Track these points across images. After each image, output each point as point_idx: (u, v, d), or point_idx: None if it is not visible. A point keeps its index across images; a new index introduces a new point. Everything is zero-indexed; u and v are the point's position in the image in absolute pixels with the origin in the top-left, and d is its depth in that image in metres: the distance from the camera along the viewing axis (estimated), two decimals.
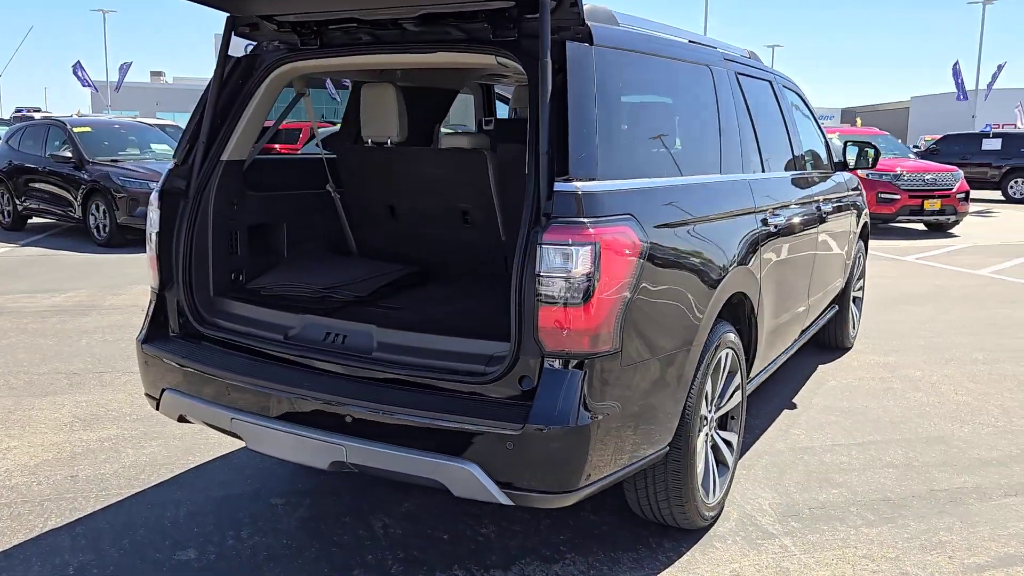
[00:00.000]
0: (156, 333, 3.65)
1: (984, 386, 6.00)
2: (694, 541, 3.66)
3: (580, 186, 2.78)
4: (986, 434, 5.04)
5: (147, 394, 3.65)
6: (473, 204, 4.22)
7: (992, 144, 22.95)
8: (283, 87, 3.82)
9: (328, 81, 37.90)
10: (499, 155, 4.07)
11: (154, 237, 3.60)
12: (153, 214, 3.61)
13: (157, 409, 3.60)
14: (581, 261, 2.70)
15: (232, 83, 3.70)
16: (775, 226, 4.22)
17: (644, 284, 2.91)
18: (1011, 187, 22.77)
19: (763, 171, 4.41)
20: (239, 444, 4.61)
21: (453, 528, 3.74)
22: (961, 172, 15.57)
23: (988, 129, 25.83)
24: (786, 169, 4.88)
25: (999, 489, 4.25)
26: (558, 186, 2.77)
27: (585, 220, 2.73)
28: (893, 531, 3.77)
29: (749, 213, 3.94)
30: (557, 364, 2.77)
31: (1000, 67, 39.21)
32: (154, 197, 3.62)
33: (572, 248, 2.70)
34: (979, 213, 19.54)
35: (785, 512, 3.95)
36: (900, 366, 6.49)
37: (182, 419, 3.51)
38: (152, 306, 3.68)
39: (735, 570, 3.44)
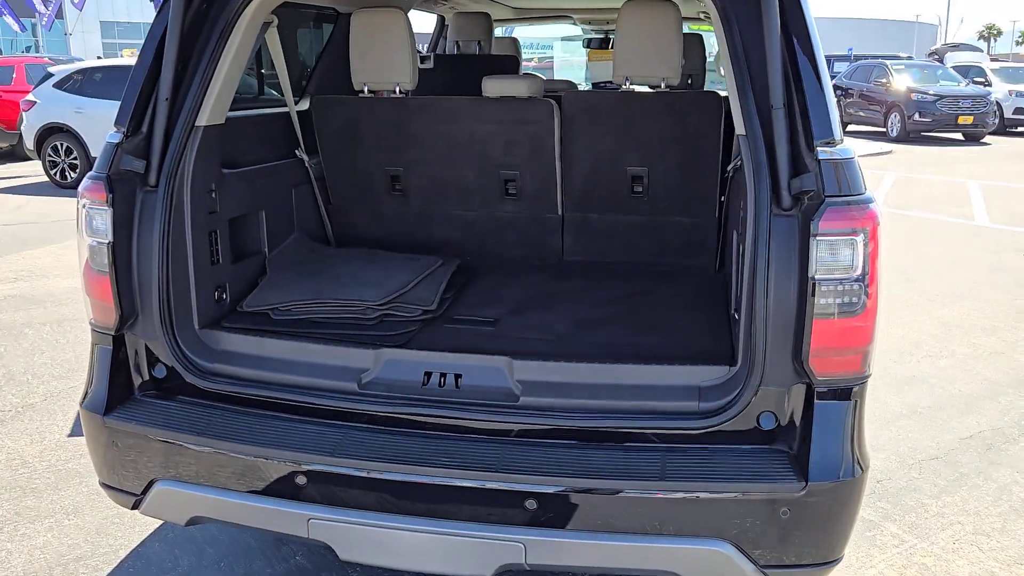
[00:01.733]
0: (119, 396, 2.41)
1: (893, 314, 6.14)
2: None
3: (837, 152, 2.07)
4: (946, 367, 5.09)
5: (110, 486, 2.43)
6: (523, 170, 3.30)
7: None
8: (267, 18, 2.64)
9: (5, 5, 31.86)
10: (567, 104, 3.18)
11: (106, 251, 2.33)
12: (100, 214, 2.33)
13: (135, 508, 2.41)
14: (861, 254, 2.02)
15: (194, 12, 2.45)
16: None
17: None
18: None
19: None
20: None
21: None
22: None
23: None
24: None
25: (1012, 428, 4.24)
26: (822, 153, 2.03)
27: (858, 198, 2.04)
28: (973, 494, 3.58)
29: None
30: (826, 395, 2.08)
31: None
32: (96, 186, 2.34)
33: (854, 238, 2.00)
34: None
35: None
36: None
37: (193, 522, 2.35)
38: (106, 356, 2.42)
39: None
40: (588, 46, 6.98)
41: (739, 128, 2.19)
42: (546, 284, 3.18)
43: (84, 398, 2.45)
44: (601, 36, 6.79)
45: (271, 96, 3.77)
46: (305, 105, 3.54)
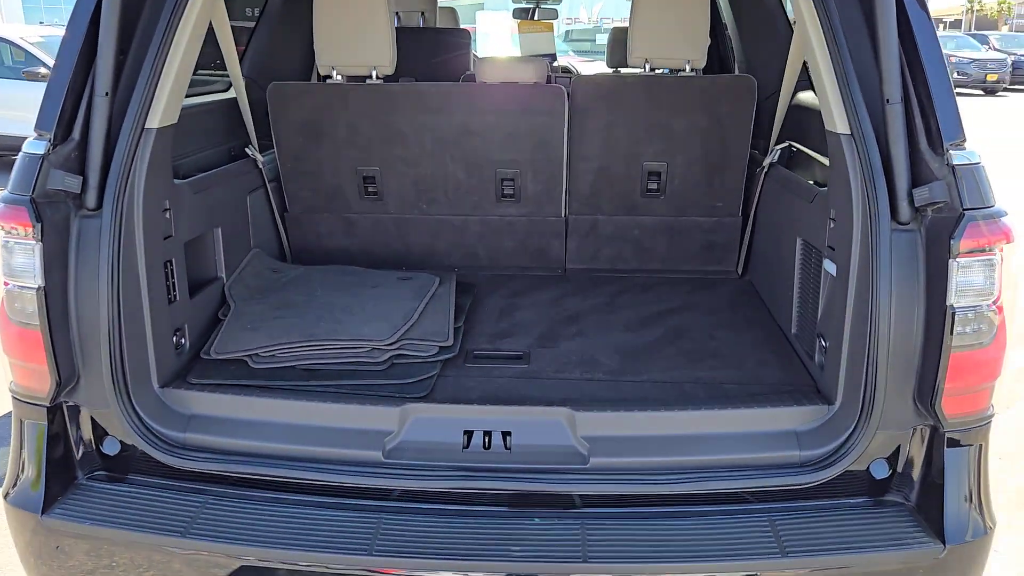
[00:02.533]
0: (59, 485, 1.85)
1: None
2: None
3: (966, 156, 1.77)
4: None
5: None
6: (525, 167, 2.86)
7: None
8: None
9: None
10: (578, 91, 2.75)
11: (35, 298, 1.76)
12: (24, 249, 1.77)
13: None
14: (998, 276, 1.74)
15: None
16: None
17: None
18: None
19: None
20: None
21: None
22: None
23: None
24: None
25: None
26: (958, 157, 1.72)
27: (993, 211, 1.75)
28: None
29: None
30: (954, 439, 1.81)
31: None
32: (15, 212, 1.77)
33: (992, 257, 1.72)
34: None
35: None
36: None
37: None
38: (38, 434, 1.85)
39: None
40: (516, 16, 6.58)
41: (839, 126, 1.86)
42: (562, 302, 2.78)
43: (7, 492, 1.87)
44: (532, 6, 6.37)
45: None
46: (231, 94, 2.97)
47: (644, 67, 2.74)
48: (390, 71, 2.66)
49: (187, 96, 2.24)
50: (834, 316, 1.96)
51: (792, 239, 2.42)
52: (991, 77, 20.45)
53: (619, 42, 4.52)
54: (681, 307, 2.73)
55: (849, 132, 1.83)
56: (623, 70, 4.77)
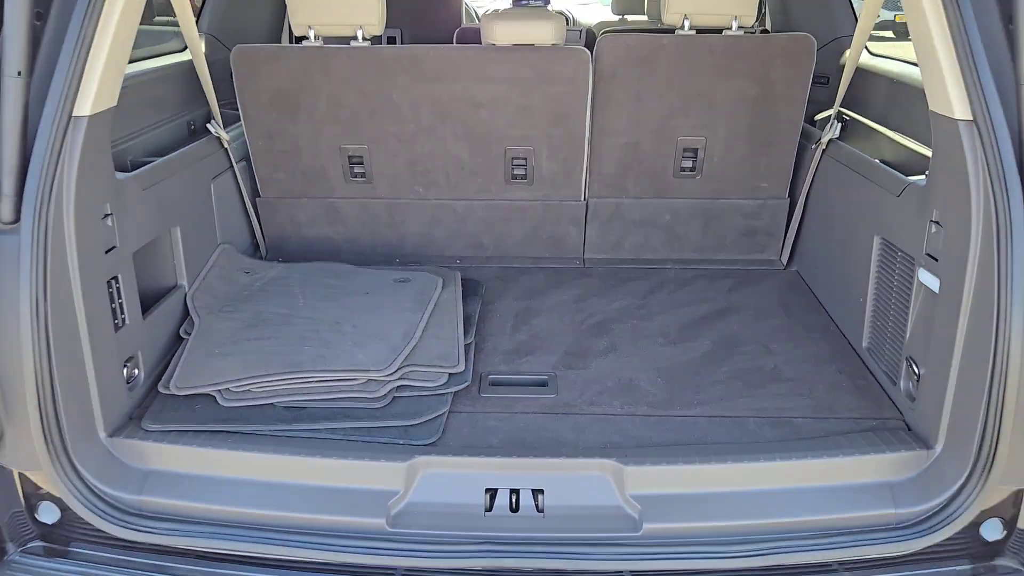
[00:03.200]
0: None
1: None
2: None
3: None
4: None
5: None
6: (540, 145, 2.48)
7: None
8: None
9: None
10: (604, 54, 2.37)
11: None
12: None
13: None
14: None
15: None
16: None
17: None
18: None
19: None
20: None
21: None
22: None
23: None
24: None
25: None
26: None
27: None
28: None
29: None
30: None
31: None
32: None
33: None
34: None
35: None
36: None
37: None
38: None
39: None
40: None
41: (956, 110, 1.50)
42: (585, 304, 2.42)
43: None
44: None
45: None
46: (188, 55, 2.54)
47: (683, 24, 2.35)
48: (378, 31, 2.26)
49: (129, 61, 1.83)
50: (935, 340, 1.63)
51: (866, 236, 2.07)
52: None
53: None
54: (725, 309, 2.39)
55: (970, 118, 1.47)
56: (630, 17, 4.36)
